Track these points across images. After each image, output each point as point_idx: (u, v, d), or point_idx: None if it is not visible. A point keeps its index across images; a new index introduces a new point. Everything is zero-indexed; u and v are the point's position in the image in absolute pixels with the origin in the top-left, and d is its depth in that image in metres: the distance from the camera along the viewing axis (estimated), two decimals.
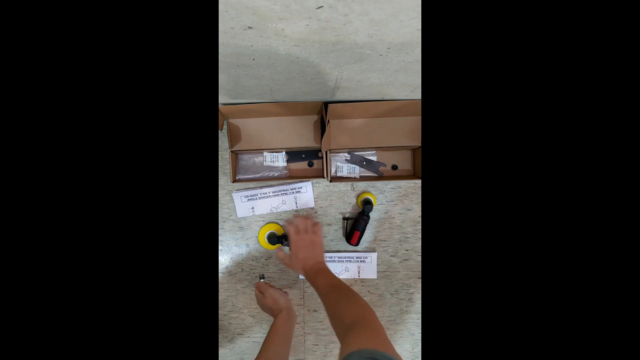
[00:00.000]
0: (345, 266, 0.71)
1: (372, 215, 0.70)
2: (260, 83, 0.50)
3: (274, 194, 0.70)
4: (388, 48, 0.36)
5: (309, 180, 0.70)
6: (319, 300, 0.76)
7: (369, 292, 0.72)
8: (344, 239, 0.70)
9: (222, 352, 0.73)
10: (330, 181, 0.68)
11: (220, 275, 0.72)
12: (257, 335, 0.72)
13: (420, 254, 0.72)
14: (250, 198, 0.70)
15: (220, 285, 0.72)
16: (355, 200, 0.71)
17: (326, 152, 0.67)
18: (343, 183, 0.71)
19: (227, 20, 0.29)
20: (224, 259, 0.72)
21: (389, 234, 0.71)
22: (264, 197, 0.70)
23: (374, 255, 0.70)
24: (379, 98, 0.62)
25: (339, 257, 0.71)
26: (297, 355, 0.72)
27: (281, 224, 0.71)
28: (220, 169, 0.71)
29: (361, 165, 0.71)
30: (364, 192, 0.71)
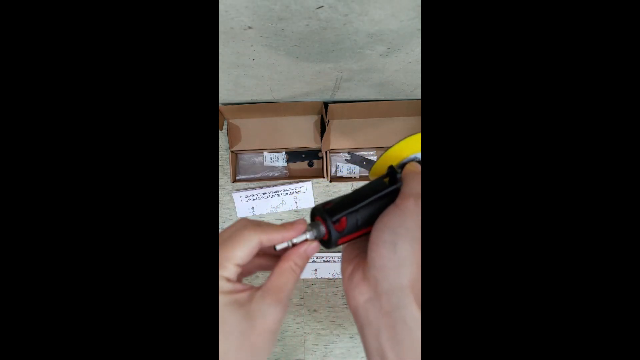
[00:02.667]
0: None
1: None
2: (260, 83, 0.50)
3: (274, 194, 0.70)
4: (388, 48, 0.36)
5: (309, 180, 0.70)
6: (319, 300, 0.77)
7: None
8: None
9: None
10: (330, 181, 0.68)
11: None
12: None
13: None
14: (251, 198, 0.70)
15: None
16: None
17: (326, 152, 0.67)
18: (343, 183, 0.71)
19: (227, 20, 0.29)
20: None
21: None
22: (264, 197, 0.70)
23: None
24: (379, 98, 0.62)
25: (338, 257, 0.71)
26: (297, 355, 0.72)
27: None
28: (220, 169, 0.71)
29: (361, 165, 0.71)
30: None
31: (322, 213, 0.23)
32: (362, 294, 0.22)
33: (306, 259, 0.24)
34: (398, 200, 0.22)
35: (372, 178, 0.28)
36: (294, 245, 0.24)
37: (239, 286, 0.22)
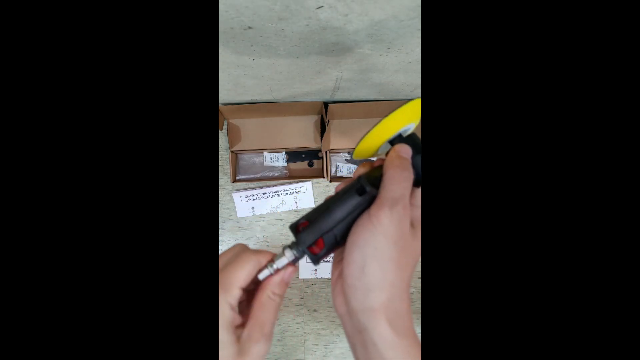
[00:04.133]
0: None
1: None
2: (260, 83, 0.50)
3: (274, 194, 0.70)
4: (388, 48, 0.36)
5: (309, 180, 0.70)
6: (319, 300, 0.76)
7: None
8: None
9: None
10: (330, 181, 0.68)
11: None
12: None
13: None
14: (251, 198, 0.70)
15: None
16: None
17: (326, 152, 0.67)
18: None
19: (227, 20, 0.29)
20: None
21: None
22: (264, 197, 0.70)
23: None
24: (379, 98, 0.62)
25: None
26: (297, 355, 0.72)
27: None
28: (220, 169, 0.71)
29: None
30: None
31: (297, 236, 0.23)
32: (341, 306, 0.22)
33: (284, 285, 0.23)
34: (372, 209, 0.21)
35: (356, 158, 0.26)
36: (276, 271, 0.23)
37: (238, 318, 0.21)
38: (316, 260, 0.23)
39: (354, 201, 0.22)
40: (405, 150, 0.24)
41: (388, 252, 0.20)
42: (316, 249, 0.23)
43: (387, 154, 0.24)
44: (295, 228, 0.23)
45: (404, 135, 0.25)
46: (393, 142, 0.25)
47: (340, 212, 0.22)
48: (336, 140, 0.68)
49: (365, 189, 0.22)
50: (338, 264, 0.23)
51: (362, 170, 0.25)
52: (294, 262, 0.23)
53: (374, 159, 0.26)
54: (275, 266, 0.23)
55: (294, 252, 0.23)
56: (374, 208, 0.21)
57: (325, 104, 0.63)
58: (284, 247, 0.23)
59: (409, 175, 0.22)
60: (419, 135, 0.24)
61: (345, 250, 0.22)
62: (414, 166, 0.24)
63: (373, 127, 0.24)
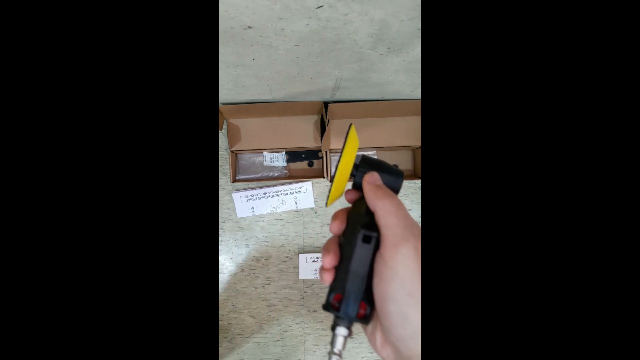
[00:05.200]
0: None
1: None
2: (260, 83, 0.50)
3: (274, 194, 0.70)
4: (388, 48, 0.36)
5: (309, 180, 0.70)
6: (319, 300, 0.76)
7: None
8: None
9: (222, 352, 0.73)
10: (330, 181, 0.68)
11: (219, 275, 0.72)
12: (257, 336, 0.72)
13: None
14: (250, 198, 0.70)
15: (219, 286, 0.72)
16: None
17: (326, 152, 0.67)
18: None
19: (227, 20, 0.28)
20: (224, 259, 0.72)
21: None
22: (263, 197, 0.70)
23: None
24: (379, 98, 0.62)
25: None
26: (297, 356, 0.72)
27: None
28: (220, 169, 0.71)
29: None
30: None
31: (338, 313, 0.23)
32: (389, 356, 0.22)
33: None
34: (386, 254, 0.21)
35: (330, 204, 0.27)
36: (340, 352, 0.22)
37: None
38: (367, 320, 0.23)
39: (369, 252, 0.22)
40: (375, 178, 0.24)
41: (419, 287, 0.19)
42: (362, 312, 0.23)
43: (353, 185, 0.26)
44: (331, 305, 0.23)
45: (357, 162, 0.26)
46: (352, 173, 0.26)
47: (363, 269, 0.22)
48: (336, 140, 0.68)
49: (370, 237, 0.22)
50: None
51: (340, 217, 0.25)
52: (350, 334, 0.23)
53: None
54: (336, 350, 0.23)
55: (345, 327, 0.23)
56: (387, 253, 0.21)
57: (325, 104, 0.63)
58: (334, 329, 0.23)
59: (395, 200, 0.23)
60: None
61: (377, 302, 0.21)
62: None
63: (334, 174, 0.25)
